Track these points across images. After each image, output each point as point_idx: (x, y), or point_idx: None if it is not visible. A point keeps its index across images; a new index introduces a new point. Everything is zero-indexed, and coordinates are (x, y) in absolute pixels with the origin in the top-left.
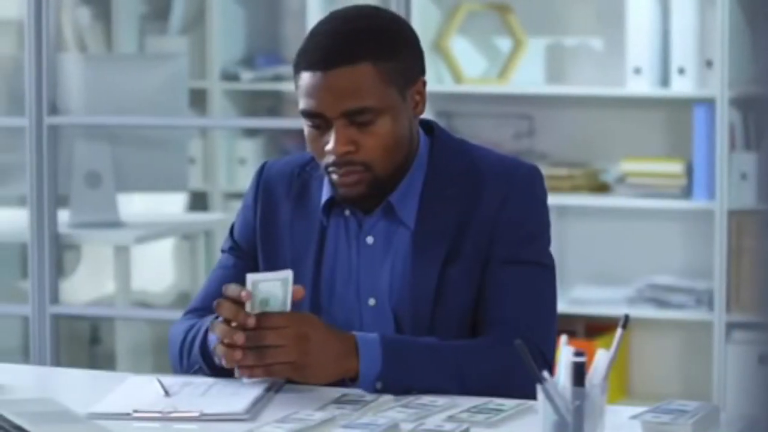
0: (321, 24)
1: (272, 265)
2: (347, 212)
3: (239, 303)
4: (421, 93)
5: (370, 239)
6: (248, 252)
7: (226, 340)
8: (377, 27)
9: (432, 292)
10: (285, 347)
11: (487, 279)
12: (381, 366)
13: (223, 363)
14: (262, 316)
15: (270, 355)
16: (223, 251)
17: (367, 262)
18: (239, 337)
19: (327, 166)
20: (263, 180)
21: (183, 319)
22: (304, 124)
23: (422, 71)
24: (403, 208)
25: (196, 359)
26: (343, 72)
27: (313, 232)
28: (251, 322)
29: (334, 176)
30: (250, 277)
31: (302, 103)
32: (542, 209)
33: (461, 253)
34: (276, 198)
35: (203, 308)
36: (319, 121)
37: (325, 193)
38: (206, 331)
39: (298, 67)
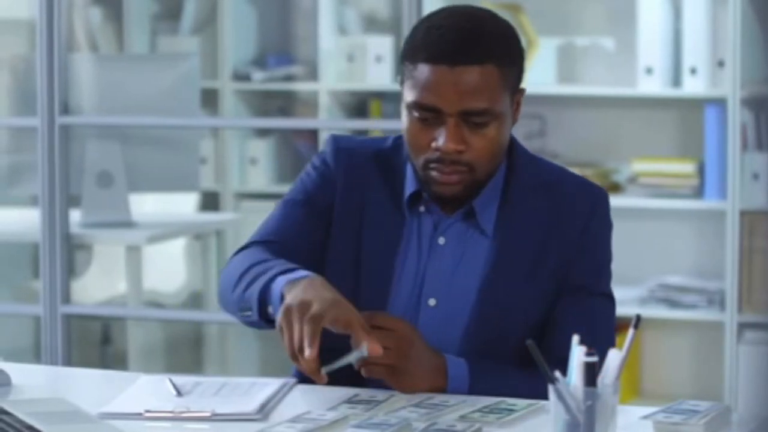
0: (441, 18)
1: (345, 241)
2: (422, 209)
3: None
4: (520, 103)
5: (441, 240)
6: (322, 209)
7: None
8: (502, 31)
9: (506, 306)
10: (389, 349)
11: (562, 307)
12: (467, 391)
13: (303, 370)
14: (372, 315)
15: (374, 358)
16: (286, 202)
17: (435, 262)
18: (320, 379)
19: (428, 161)
20: (344, 152)
21: (249, 250)
22: (408, 115)
23: (522, 80)
24: (483, 214)
25: (251, 301)
26: (471, 70)
27: (397, 226)
28: (325, 380)
29: (435, 173)
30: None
31: (416, 95)
32: (610, 236)
33: (541, 271)
34: (360, 176)
35: (273, 241)
36: (431, 115)
37: (409, 187)
38: (273, 276)
39: (415, 58)
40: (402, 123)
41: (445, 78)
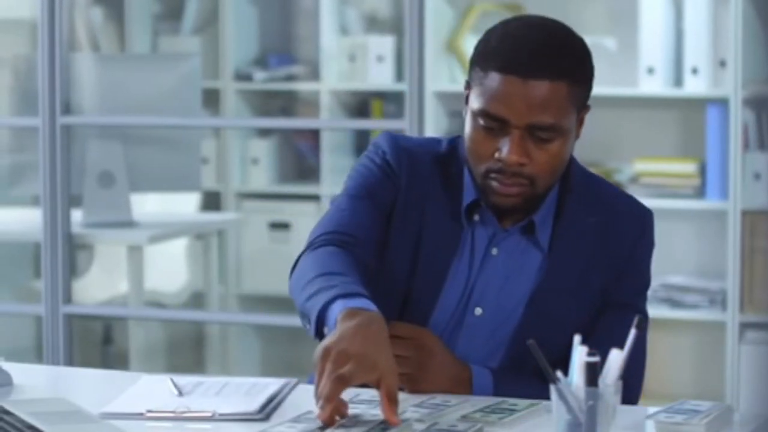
0: (517, 27)
1: (403, 242)
2: (477, 218)
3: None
4: (582, 121)
5: (495, 251)
6: (385, 207)
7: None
8: (578, 49)
9: (552, 319)
10: (407, 358)
11: (603, 319)
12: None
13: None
14: (392, 325)
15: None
16: (351, 197)
17: (486, 272)
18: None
19: (489, 171)
20: (404, 152)
21: (321, 251)
22: (472, 122)
23: (588, 101)
24: (541, 228)
25: (311, 316)
26: (543, 85)
27: (455, 233)
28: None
29: (495, 183)
30: None
31: (484, 103)
32: (652, 258)
33: (589, 290)
34: (421, 178)
35: (346, 233)
36: (497, 125)
37: (468, 196)
38: (334, 298)
39: (487, 66)
40: (465, 129)
41: (516, 90)
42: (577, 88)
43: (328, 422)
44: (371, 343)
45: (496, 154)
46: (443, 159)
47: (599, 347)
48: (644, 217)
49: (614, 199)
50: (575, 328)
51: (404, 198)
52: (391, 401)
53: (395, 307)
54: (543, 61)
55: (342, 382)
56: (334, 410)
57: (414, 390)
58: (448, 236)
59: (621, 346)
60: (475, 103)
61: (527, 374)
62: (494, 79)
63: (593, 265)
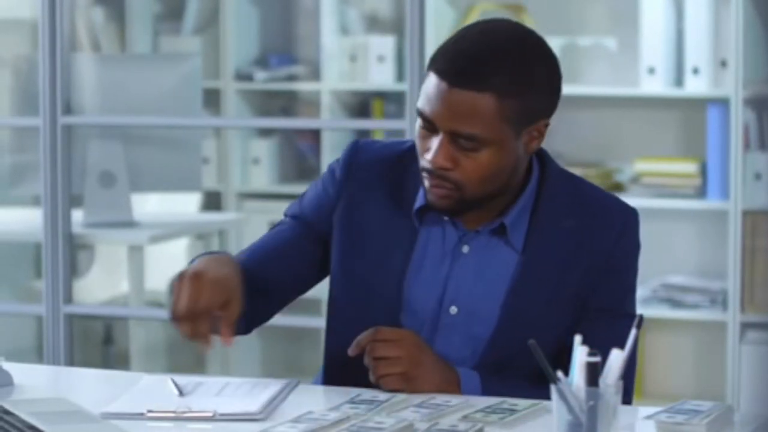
0: (466, 33)
1: (350, 252)
2: (446, 218)
3: None
4: (540, 133)
5: (466, 248)
6: (315, 225)
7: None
8: (518, 62)
9: (528, 321)
10: (400, 358)
11: (582, 326)
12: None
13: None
14: (377, 330)
15: (383, 366)
16: (286, 215)
17: (459, 270)
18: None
19: (423, 169)
20: (357, 161)
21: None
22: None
23: (548, 114)
24: (514, 230)
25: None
26: (466, 95)
27: (407, 229)
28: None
29: (426, 182)
30: None
31: (420, 101)
32: (638, 258)
33: (565, 292)
34: (368, 184)
35: (249, 263)
36: (428, 125)
37: (422, 198)
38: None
39: (431, 65)
40: None
41: (443, 95)
42: (509, 101)
43: (190, 336)
44: (225, 269)
45: (425, 154)
46: (402, 159)
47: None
48: (625, 218)
49: (594, 202)
50: (553, 331)
51: (347, 208)
52: (229, 324)
53: (367, 310)
54: (471, 71)
55: (196, 296)
56: (193, 327)
57: (412, 388)
58: (404, 236)
59: (603, 348)
60: (418, 100)
61: (512, 377)
62: (430, 80)
63: (570, 269)
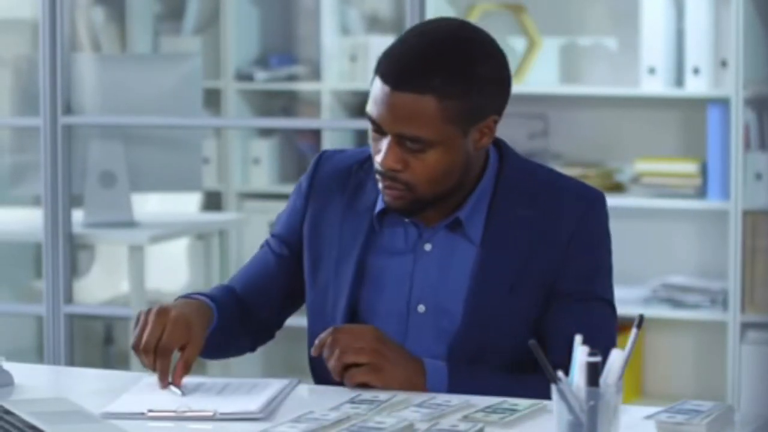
0: (409, 35)
1: (317, 262)
2: (406, 218)
3: None
4: (490, 129)
5: (428, 246)
6: (290, 241)
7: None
8: (458, 62)
9: (489, 318)
10: (362, 348)
11: (552, 313)
12: (447, 390)
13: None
14: (335, 328)
15: (346, 356)
16: (271, 235)
17: (422, 268)
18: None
19: (376, 171)
20: (319, 172)
21: (220, 288)
22: None
23: (496, 110)
24: (470, 224)
25: None
26: (408, 98)
27: (361, 231)
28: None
29: (380, 184)
30: None
31: (368, 104)
32: (608, 240)
33: (527, 280)
34: (330, 192)
35: (237, 284)
36: (378, 127)
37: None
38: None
39: (376, 68)
40: None
41: (386, 98)
42: (451, 102)
43: (150, 369)
44: (191, 312)
45: (377, 157)
46: (363, 164)
47: (550, 339)
48: (587, 202)
49: (553, 189)
50: (522, 320)
51: (312, 220)
52: (185, 368)
53: (333, 318)
54: (411, 74)
55: (158, 333)
56: (153, 361)
57: (378, 380)
58: (357, 237)
59: (571, 334)
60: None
61: (482, 368)
62: (376, 83)
63: (532, 257)
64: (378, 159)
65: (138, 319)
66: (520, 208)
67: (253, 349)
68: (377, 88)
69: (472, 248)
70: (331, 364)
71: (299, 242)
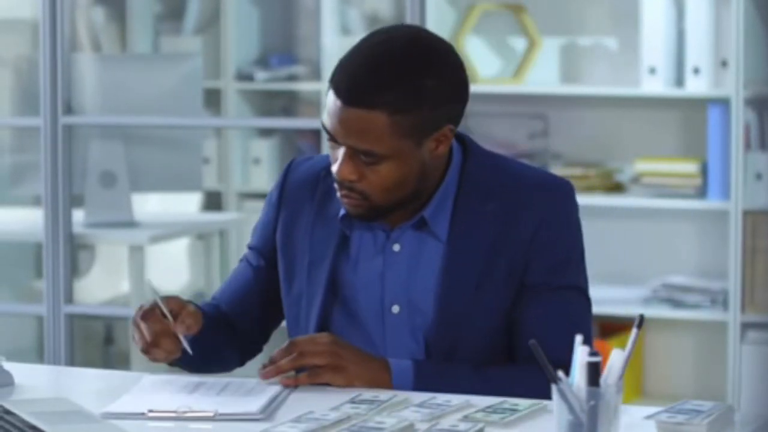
0: (358, 48)
1: (291, 271)
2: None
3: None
4: (447, 137)
5: (396, 247)
6: (265, 252)
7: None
8: (409, 77)
9: (461, 314)
10: (322, 352)
11: (522, 305)
12: (412, 387)
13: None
14: (291, 341)
15: (307, 359)
16: (248, 248)
17: (392, 269)
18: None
19: (335, 180)
20: (289, 181)
21: (204, 303)
22: None
23: (452, 119)
24: (435, 222)
25: None
26: (359, 113)
27: (332, 236)
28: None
29: (338, 192)
30: None
31: (323, 115)
32: (578, 228)
33: (495, 275)
34: (300, 200)
35: (220, 300)
36: (332, 137)
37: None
38: None
39: (330, 80)
40: None
41: (338, 112)
42: (401, 117)
43: (163, 360)
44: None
45: (334, 166)
46: (330, 170)
47: (522, 331)
48: (550, 193)
49: (517, 181)
50: (493, 314)
51: (284, 228)
52: (188, 316)
53: (307, 327)
54: (361, 90)
55: (147, 310)
56: (159, 351)
57: (337, 378)
58: (329, 242)
59: (543, 325)
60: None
61: (452, 366)
62: (329, 95)
63: (498, 251)
64: (334, 169)
65: (133, 325)
66: (485, 203)
67: (241, 363)
68: (330, 100)
69: (440, 246)
70: (287, 366)
71: (274, 253)
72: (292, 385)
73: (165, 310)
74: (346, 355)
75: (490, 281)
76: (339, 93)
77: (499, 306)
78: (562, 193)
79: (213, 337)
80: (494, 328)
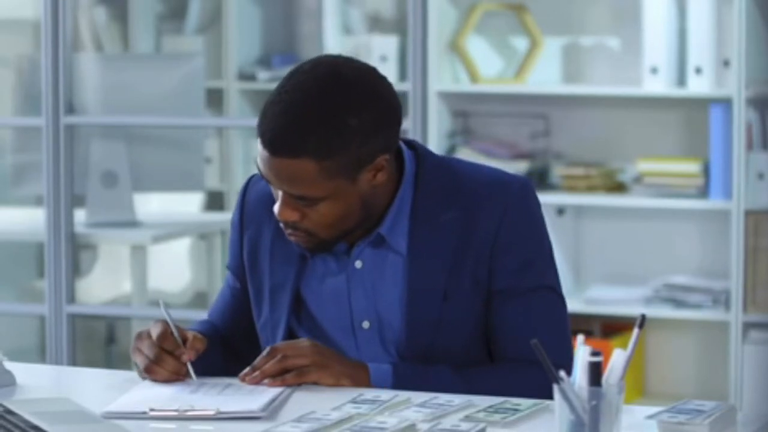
0: (285, 89)
1: (258, 293)
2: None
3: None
4: (383, 166)
5: (358, 263)
6: (239, 274)
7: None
8: (332, 121)
9: (430, 325)
10: (304, 354)
11: (493, 313)
12: (392, 385)
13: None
14: (274, 345)
15: (289, 361)
16: (227, 268)
17: (357, 285)
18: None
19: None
20: (247, 201)
21: (200, 322)
22: None
23: (385, 149)
24: (393, 236)
25: None
26: (285, 163)
27: (293, 256)
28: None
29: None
30: None
31: (258, 161)
32: (538, 226)
33: (461, 283)
34: (259, 220)
35: (214, 318)
36: (268, 181)
37: None
38: None
39: (257, 127)
40: None
41: (267, 161)
42: (329, 161)
43: (168, 378)
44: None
45: (274, 207)
46: None
47: (498, 335)
48: (506, 193)
49: (472, 185)
50: (464, 322)
51: (249, 248)
52: (197, 342)
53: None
54: (284, 140)
55: (144, 334)
56: (162, 371)
57: (320, 376)
58: (291, 262)
59: (524, 333)
60: None
61: (431, 367)
62: (258, 142)
63: (460, 259)
64: (275, 210)
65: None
66: (442, 211)
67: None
68: (259, 148)
69: (400, 259)
70: (272, 369)
71: (243, 272)
72: (279, 386)
73: (176, 334)
74: (329, 354)
75: (458, 289)
76: (264, 144)
77: (470, 313)
78: (518, 192)
79: (214, 357)
80: (467, 336)
